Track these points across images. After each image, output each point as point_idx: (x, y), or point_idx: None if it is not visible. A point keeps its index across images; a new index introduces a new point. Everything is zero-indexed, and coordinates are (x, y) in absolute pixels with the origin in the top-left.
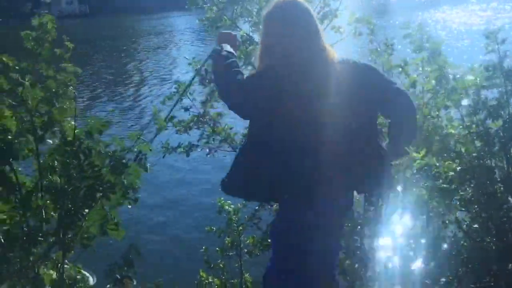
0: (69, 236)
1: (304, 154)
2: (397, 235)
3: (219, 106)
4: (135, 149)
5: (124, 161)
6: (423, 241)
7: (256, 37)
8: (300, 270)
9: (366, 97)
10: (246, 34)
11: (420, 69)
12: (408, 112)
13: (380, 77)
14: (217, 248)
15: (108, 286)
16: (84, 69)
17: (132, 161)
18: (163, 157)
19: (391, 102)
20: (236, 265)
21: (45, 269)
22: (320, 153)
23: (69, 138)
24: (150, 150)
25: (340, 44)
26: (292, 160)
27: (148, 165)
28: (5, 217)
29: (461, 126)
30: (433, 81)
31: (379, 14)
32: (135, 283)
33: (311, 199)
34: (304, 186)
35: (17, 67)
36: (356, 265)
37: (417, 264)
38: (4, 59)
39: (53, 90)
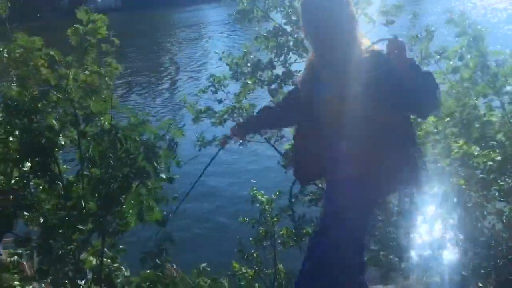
0: (108, 222)
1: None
2: (433, 226)
3: (252, 97)
4: (167, 137)
5: (156, 148)
6: (460, 232)
7: (288, 28)
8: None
9: (385, 89)
10: (279, 25)
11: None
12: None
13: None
14: (250, 239)
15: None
16: (119, 62)
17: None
18: (199, 150)
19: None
20: (270, 255)
21: (86, 256)
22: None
23: (107, 128)
24: (183, 135)
25: (374, 33)
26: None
27: (181, 161)
28: (48, 206)
29: (500, 115)
30: (472, 68)
31: (414, 2)
32: (174, 266)
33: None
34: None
35: (62, 61)
36: (391, 256)
37: (454, 255)
38: (51, 52)
39: (96, 84)
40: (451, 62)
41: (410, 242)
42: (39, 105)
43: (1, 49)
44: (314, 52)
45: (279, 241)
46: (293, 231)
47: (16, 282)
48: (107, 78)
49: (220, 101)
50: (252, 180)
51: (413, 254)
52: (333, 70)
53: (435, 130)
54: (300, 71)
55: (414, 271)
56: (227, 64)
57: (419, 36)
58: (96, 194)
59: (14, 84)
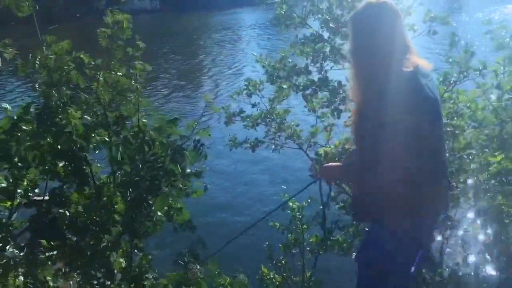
0: (137, 223)
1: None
2: (469, 241)
3: (286, 102)
4: (194, 138)
5: (183, 150)
6: (496, 248)
7: (325, 35)
8: None
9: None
10: (316, 31)
11: (502, 68)
12: None
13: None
14: (279, 245)
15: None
16: (155, 63)
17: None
18: (230, 150)
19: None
20: (299, 263)
21: (115, 257)
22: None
23: (135, 131)
24: (209, 135)
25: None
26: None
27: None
28: (79, 207)
29: None
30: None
31: (455, 10)
32: (198, 267)
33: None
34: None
35: (92, 64)
36: (424, 270)
37: (490, 272)
38: (81, 56)
39: (125, 86)
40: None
41: (443, 256)
42: (70, 110)
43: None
44: (359, 71)
45: (308, 248)
46: (323, 239)
47: (48, 278)
48: (134, 81)
49: (254, 105)
50: (283, 186)
51: (446, 269)
52: (376, 89)
53: (473, 144)
54: (335, 80)
55: (447, 286)
56: (263, 67)
57: (458, 55)
58: (126, 196)
59: (45, 88)
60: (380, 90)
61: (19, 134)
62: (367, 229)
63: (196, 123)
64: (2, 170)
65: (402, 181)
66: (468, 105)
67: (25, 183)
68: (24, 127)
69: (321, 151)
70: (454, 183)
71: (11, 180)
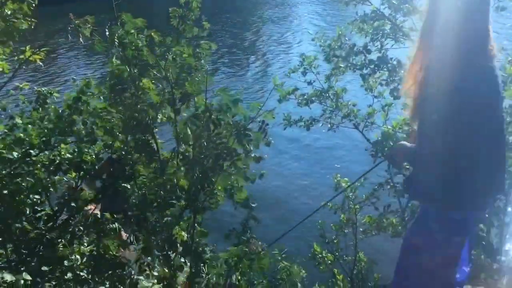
0: (200, 200)
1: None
2: None
3: (343, 81)
4: (258, 119)
5: (248, 130)
6: None
7: (386, 12)
8: None
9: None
10: (377, 8)
11: None
12: None
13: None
14: (331, 225)
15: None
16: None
17: (256, 129)
18: (284, 129)
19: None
20: (351, 243)
21: (177, 230)
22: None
23: (201, 109)
24: (273, 117)
25: None
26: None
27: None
28: (145, 180)
29: None
30: None
31: None
32: (260, 243)
33: None
34: None
35: (161, 42)
36: (482, 256)
37: None
38: (152, 34)
39: (192, 65)
40: None
41: (503, 242)
42: (141, 84)
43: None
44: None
45: (361, 229)
46: (376, 220)
47: (112, 247)
48: (202, 60)
49: (309, 83)
50: (336, 165)
51: (506, 255)
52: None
53: None
54: (395, 58)
55: (507, 273)
56: (320, 46)
57: None
58: (190, 172)
59: (119, 64)
60: (455, 84)
61: (82, 108)
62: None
63: (261, 104)
64: (69, 143)
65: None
66: None
67: (89, 156)
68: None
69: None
70: None
71: (76, 152)
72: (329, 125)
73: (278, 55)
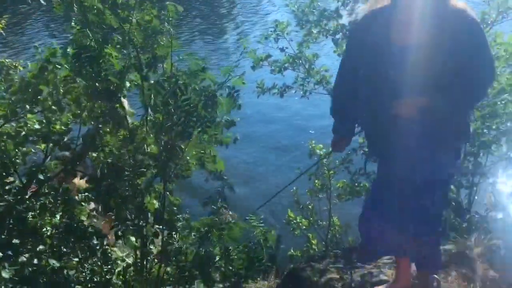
0: (170, 168)
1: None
2: (498, 189)
3: (315, 47)
4: (228, 84)
5: (216, 96)
6: None
7: None
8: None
9: (456, 50)
10: None
11: None
12: (484, 82)
13: (479, 41)
14: (306, 190)
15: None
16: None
17: (225, 95)
18: (258, 97)
19: (473, 69)
20: (325, 208)
21: (149, 199)
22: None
23: (167, 75)
24: (243, 83)
25: None
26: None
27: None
28: (113, 149)
29: None
30: None
31: None
32: (231, 212)
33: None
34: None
35: (124, 5)
36: (452, 216)
37: None
38: None
39: (157, 28)
40: None
41: (472, 203)
42: (105, 50)
43: None
44: None
45: (335, 194)
46: (350, 184)
47: (83, 218)
48: (166, 23)
49: (282, 49)
50: (310, 131)
51: (474, 214)
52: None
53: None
54: None
55: (475, 232)
56: (293, 11)
57: None
58: (159, 139)
59: (80, 28)
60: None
61: (48, 78)
62: None
63: (232, 68)
64: (35, 113)
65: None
66: (505, 48)
67: (58, 126)
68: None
69: None
70: (486, 130)
71: (44, 123)
72: (302, 92)
73: (249, 22)
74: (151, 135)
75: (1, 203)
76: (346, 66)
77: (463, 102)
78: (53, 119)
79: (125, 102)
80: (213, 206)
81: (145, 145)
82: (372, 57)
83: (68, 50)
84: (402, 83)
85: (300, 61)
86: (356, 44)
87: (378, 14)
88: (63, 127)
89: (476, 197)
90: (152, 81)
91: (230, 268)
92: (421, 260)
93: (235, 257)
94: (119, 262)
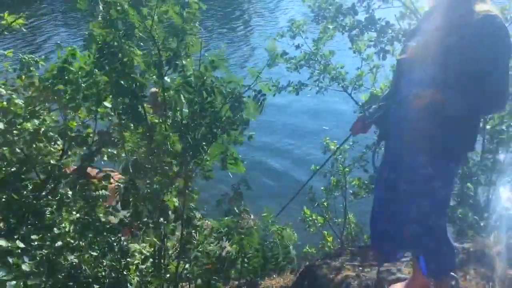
0: (191, 167)
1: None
2: None
3: (331, 43)
4: (254, 87)
5: (243, 99)
6: None
7: None
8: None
9: (477, 54)
10: None
11: None
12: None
13: (499, 48)
14: (322, 188)
15: None
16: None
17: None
18: (273, 95)
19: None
20: (341, 205)
21: (169, 197)
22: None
23: (189, 73)
24: (270, 90)
25: None
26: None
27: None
28: (131, 145)
29: None
30: None
31: None
32: (252, 216)
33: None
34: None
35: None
36: (470, 214)
37: None
38: None
39: (180, 26)
40: None
41: (490, 200)
42: (126, 46)
43: None
44: None
45: (351, 191)
46: (365, 182)
47: (100, 214)
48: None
49: (298, 47)
50: (324, 127)
51: (493, 212)
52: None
53: None
54: (384, 18)
55: (493, 230)
56: (309, 7)
57: None
58: (182, 139)
59: (103, 24)
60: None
61: (66, 77)
62: None
63: (260, 71)
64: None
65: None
66: None
67: (75, 123)
68: (71, 69)
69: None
70: (504, 127)
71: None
72: (317, 88)
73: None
74: (172, 133)
75: (20, 199)
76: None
77: (477, 107)
78: (71, 115)
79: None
80: (235, 209)
81: (168, 143)
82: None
83: (90, 46)
84: (420, 75)
85: (316, 58)
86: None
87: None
88: (80, 123)
89: (494, 195)
90: (174, 79)
91: (246, 266)
92: (423, 261)
93: (251, 255)
94: (136, 254)
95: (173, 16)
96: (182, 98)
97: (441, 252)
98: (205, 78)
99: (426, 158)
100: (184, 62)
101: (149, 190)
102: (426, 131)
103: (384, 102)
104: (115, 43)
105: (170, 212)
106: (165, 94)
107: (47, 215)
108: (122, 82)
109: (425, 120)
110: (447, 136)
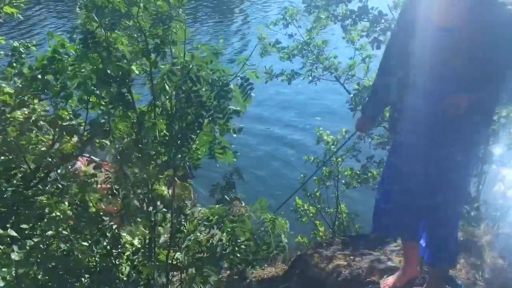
0: (180, 156)
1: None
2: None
3: (324, 33)
4: (241, 75)
5: (229, 87)
6: None
7: None
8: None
9: (491, 41)
10: None
11: None
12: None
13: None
14: (314, 178)
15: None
16: None
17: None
18: (265, 82)
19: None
20: (333, 195)
21: (158, 185)
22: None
23: (179, 61)
24: (257, 77)
25: None
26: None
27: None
28: (121, 134)
29: None
30: None
31: None
32: (243, 204)
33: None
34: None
35: None
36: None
37: None
38: None
39: (166, 12)
40: None
41: (480, 191)
42: (113, 34)
43: None
44: None
45: (343, 181)
46: (358, 172)
47: (92, 199)
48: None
49: (291, 36)
50: (317, 118)
51: (483, 203)
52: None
53: None
54: (376, 9)
55: (483, 221)
56: None
57: None
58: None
59: (86, 12)
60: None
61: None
62: None
63: (247, 57)
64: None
65: None
66: None
67: (66, 112)
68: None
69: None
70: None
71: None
72: (310, 78)
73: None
74: (161, 121)
75: (10, 188)
76: (389, 45)
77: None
78: (61, 104)
79: None
80: (225, 197)
81: (154, 129)
82: (409, 36)
83: (74, 36)
84: (441, 70)
85: (309, 48)
86: (400, 21)
87: None
88: (70, 113)
89: (485, 186)
90: (163, 67)
91: (237, 255)
92: (433, 249)
93: (243, 244)
94: (127, 246)
95: (159, 2)
96: (167, 86)
97: (455, 238)
98: (190, 66)
99: (458, 148)
100: (173, 50)
101: (138, 178)
102: (459, 126)
103: (376, 93)
104: (101, 31)
105: (158, 202)
106: (153, 82)
107: (40, 204)
108: (108, 71)
109: (458, 118)
110: (478, 126)
